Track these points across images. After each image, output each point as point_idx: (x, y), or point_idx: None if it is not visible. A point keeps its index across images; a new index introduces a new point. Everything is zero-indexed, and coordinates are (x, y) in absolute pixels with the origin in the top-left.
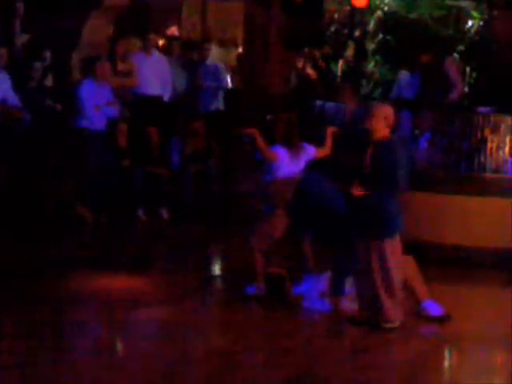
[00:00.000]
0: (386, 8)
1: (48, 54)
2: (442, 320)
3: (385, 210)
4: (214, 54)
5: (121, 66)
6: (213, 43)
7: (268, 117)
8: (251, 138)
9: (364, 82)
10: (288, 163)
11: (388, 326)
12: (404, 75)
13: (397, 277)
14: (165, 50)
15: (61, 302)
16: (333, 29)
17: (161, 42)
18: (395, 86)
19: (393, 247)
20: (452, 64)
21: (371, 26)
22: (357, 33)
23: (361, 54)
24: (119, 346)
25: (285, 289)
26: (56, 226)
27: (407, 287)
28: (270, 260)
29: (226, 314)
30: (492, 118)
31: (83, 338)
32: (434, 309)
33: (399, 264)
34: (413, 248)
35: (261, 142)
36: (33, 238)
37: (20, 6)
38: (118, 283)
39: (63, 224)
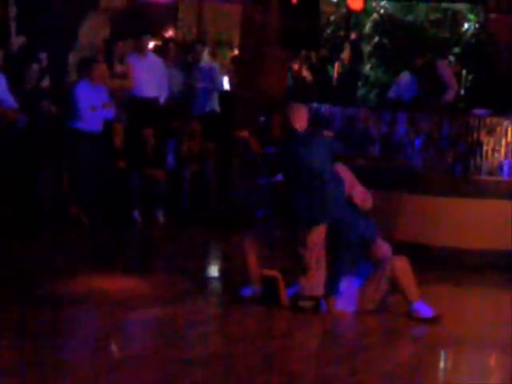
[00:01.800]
0: (382, 11)
1: (44, 56)
2: (432, 321)
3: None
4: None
5: (119, 68)
6: (208, 44)
7: (261, 118)
8: (245, 141)
9: (360, 84)
10: None
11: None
12: (404, 77)
13: None
14: (160, 52)
15: (57, 303)
16: (329, 31)
17: (157, 44)
18: (395, 87)
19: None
20: (445, 66)
21: (367, 28)
22: (353, 35)
23: (357, 57)
24: (117, 347)
25: (279, 290)
26: (52, 228)
27: (398, 288)
28: (264, 261)
29: (222, 315)
30: (488, 121)
31: (80, 338)
32: (424, 310)
33: None
34: (409, 249)
35: (255, 144)
36: (28, 240)
37: (12, 9)
38: (114, 284)
39: (59, 225)
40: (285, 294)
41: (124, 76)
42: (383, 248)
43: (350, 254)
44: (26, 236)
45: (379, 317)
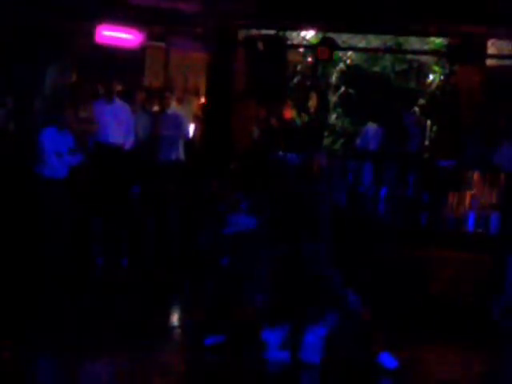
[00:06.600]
0: (348, 61)
1: (9, 100)
2: (396, 373)
3: None
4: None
5: (83, 113)
6: (175, 91)
7: (231, 166)
8: (219, 189)
9: (326, 133)
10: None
11: None
12: (371, 127)
13: None
14: (125, 98)
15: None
16: (296, 80)
17: (121, 89)
18: (361, 137)
19: None
20: (411, 117)
21: (334, 78)
22: (319, 85)
23: (323, 106)
24: None
25: (254, 333)
26: (13, 276)
27: (364, 338)
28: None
29: (184, 364)
30: (452, 172)
31: None
32: (389, 361)
33: None
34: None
35: (228, 192)
36: None
37: None
38: (77, 332)
39: (19, 273)
40: (258, 338)
41: (90, 121)
42: (349, 298)
43: (316, 304)
44: None
45: (344, 367)
